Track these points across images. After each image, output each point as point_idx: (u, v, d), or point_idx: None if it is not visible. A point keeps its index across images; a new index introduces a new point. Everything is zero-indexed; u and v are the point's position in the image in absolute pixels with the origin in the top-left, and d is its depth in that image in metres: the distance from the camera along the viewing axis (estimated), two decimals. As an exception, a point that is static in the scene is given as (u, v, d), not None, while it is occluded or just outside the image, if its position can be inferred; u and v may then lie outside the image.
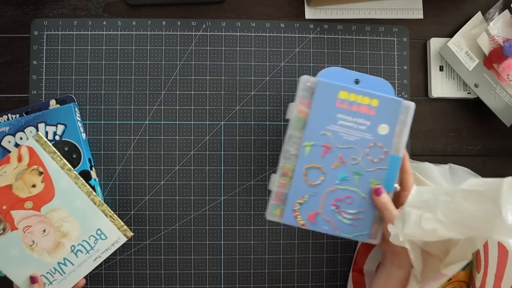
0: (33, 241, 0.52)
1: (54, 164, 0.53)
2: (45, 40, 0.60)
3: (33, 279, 0.49)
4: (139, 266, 0.60)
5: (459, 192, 0.41)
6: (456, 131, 0.65)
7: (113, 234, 0.54)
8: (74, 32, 0.61)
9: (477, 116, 0.65)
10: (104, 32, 0.61)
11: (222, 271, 0.61)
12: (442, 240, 0.48)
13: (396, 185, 0.51)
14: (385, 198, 0.48)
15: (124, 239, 0.55)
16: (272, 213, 0.50)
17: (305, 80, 0.50)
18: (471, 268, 0.58)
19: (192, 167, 0.61)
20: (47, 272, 0.52)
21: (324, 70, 0.51)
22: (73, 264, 0.53)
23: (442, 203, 0.41)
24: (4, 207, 0.51)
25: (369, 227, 0.50)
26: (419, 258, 0.47)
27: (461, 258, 0.43)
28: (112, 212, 0.55)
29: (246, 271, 0.61)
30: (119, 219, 0.55)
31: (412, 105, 0.50)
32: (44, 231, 0.52)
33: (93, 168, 0.59)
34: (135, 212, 0.60)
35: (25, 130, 0.58)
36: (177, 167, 0.61)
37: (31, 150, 0.52)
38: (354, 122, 0.50)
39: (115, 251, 0.55)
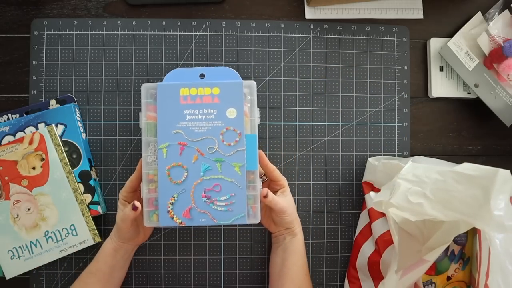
0: (17, 215, 0.57)
1: (56, 155, 0.57)
2: (45, 40, 0.60)
3: (134, 207, 0.51)
4: (139, 266, 0.60)
5: (451, 173, 0.41)
6: (456, 131, 0.65)
7: (84, 234, 0.57)
8: (74, 32, 0.61)
9: (477, 116, 0.65)
10: (104, 32, 0.61)
11: (222, 271, 0.61)
12: (425, 223, 0.48)
13: (264, 177, 0.56)
14: (271, 197, 0.51)
15: (91, 242, 0.58)
16: (150, 220, 0.51)
17: (146, 88, 0.52)
18: (471, 268, 0.58)
19: (192, 167, 0.61)
20: (19, 247, 0.57)
21: (168, 74, 0.53)
22: (42, 248, 0.57)
23: (433, 181, 0.41)
24: (6, 178, 0.57)
25: (245, 209, 0.51)
26: (397, 235, 0.48)
27: (443, 242, 0.44)
28: (89, 214, 0.58)
29: (246, 271, 0.61)
30: (93, 223, 0.58)
31: (253, 83, 0.52)
32: (29, 209, 0.57)
33: (93, 168, 0.59)
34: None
35: (25, 130, 0.58)
36: (177, 167, 0.61)
37: (41, 137, 0.57)
38: (202, 113, 0.51)
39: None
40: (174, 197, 0.51)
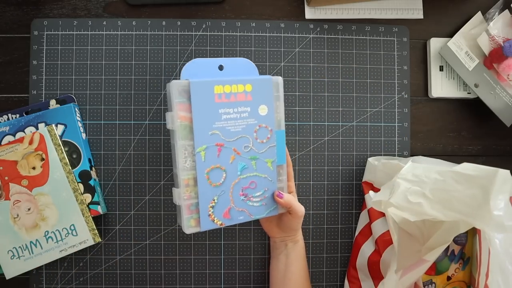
0: (17, 215, 0.57)
1: (56, 155, 0.57)
2: (45, 40, 0.60)
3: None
4: (139, 266, 0.60)
5: (451, 173, 0.41)
6: (456, 131, 0.65)
7: (84, 234, 0.57)
8: (74, 32, 0.61)
9: (477, 116, 0.65)
10: (104, 32, 0.61)
11: (222, 271, 0.61)
12: (425, 223, 0.48)
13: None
14: (287, 198, 0.52)
15: (91, 242, 0.58)
16: (189, 226, 0.49)
17: (177, 85, 0.48)
18: (471, 268, 0.58)
19: (192, 167, 0.61)
20: (19, 247, 0.57)
21: (185, 66, 0.50)
22: (41, 248, 0.57)
23: (432, 181, 0.41)
24: (6, 177, 0.57)
25: (275, 201, 0.53)
26: (397, 235, 0.48)
27: (442, 242, 0.44)
28: (89, 214, 0.57)
29: (246, 271, 0.61)
30: (93, 223, 0.57)
31: (280, 79, 0.52)
32: (29, 209, 0.57)
33: (93, 168, 0.59)
34: (135, 212, 0.60)
35: (25, 130, 0.58)
36: (177, 167, 0.61)
37: (41, 137, 0.57)
38: (236, 112, 0.50)
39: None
40: (214, 200, 0.50)
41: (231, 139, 0.50)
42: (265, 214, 0.52)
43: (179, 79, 0.49)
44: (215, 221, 0.50)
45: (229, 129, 0.50)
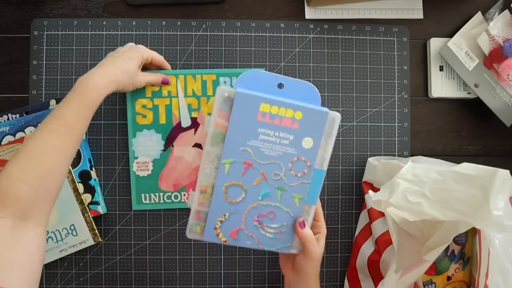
0: None
1: None
2: (45, 40, 0.61)
3: (166, 80, 0.53)
4: (139, 266, 0.60)
5: (450, 173, 0.41)
6: (456, 131, 0.65)
7: (84, 234, 0.57)
8: (74, 32, 0.61)
9: (477, 116, 0.65)
10: (104, 32, 0.61)
11: (222, 271, 0.61)
12: (425, 223, 0.48)
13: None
14: (307, 232, 0.48)
15: (91, 242, 0.58)
16: (193, 231, 0.48)
17: (222, 91, 0.45)
18: (471, 268, 0.58)
19: (192, 167, 0.61)
20: None
21: (243, 74, 0.47)
22: None
23: (432, 181, 0.41)
24: None
25: (292, 239, 0.49)
26: (396, 235, 0.48)
27: (442, 242, 0.44)
28: (89, 214, 0.57)
29: (246, 271, 0.61)
30: (93, 223, 0.57)
31: (337, 116, 0.47)
32: None
33: (93, 168, 0.59)
34: (135, 212, 0.60)
35: (25, 130, 0.58)
36: (177, 167, 0.61)
37: None
38: (277, 136, 0.47)
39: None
40: (225, 215, 0.48)
41: (263, 161, 0.47)
42: (276, 248, 0.49)
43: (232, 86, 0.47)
44: (220, 236, 0.48)
45: (263, 151, 0.47)
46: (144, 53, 0.53)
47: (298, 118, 0.46)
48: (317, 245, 0.48)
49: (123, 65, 0.50)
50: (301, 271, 0.49)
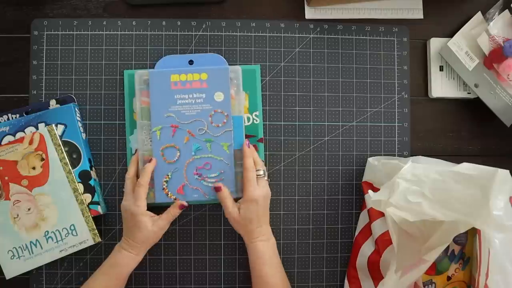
0: (17, 215, 0.57)
1: (56, 155, 0.57)
2: (45, 40, 0.61)
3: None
4: (139, 266, 0.60)
5: (450, 173, 0.41)
6: (456, 131, 0.65)
7: (84, 234, 0.58)
8: (74, 32, 0.61)
9: (477, 116, 0.65)
10: (104, 32, 0.61)
11: (222, 271, 0.61)
12: (425, 223, 0.48)
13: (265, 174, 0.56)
14: (224, 194, 0.54)
15: (91, 242, 0.58)
16: (148, 197, 0.54)
17: (139, 75, 0.57)
18: (471, 268, 0.58)
19: (192, 167, 0.61)
20: (19, 247, 0.57)
21: (159, 61, 0.58)
22: (41, 248, 0.57)
23: (432, 181, 0.41)
24: (6, 178, 0.57)
25: (233, 184, 0.56)
26: (396, 235, 0.48)
27: (442, 242, 0.44)
28: (89, 214, 0.57)
29: (246, 271, 0.61)
30: (93, 223, 0.57)
31: (238, 69, 0.57)
32: (29, 209, 0.57)
33: (93, 168, 0.59)
34: (135, 212, 0.60)
35: (25, 130, 0.58)
36: (177, 167, 0.61)
37: (41, 137, 0.57)
38: (191, 98, 0.56)
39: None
40: (168, 175, 0.55)
41: (186, 121, 0.56)
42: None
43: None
44: (169, 195, 0.56)
45: (184, 112, 0.56)
46: (133, 204, 0.53)
47: (205, 78, 0.56)
48: (255, 186, 0.53)
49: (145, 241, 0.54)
50: (249, 221, 0.53)
